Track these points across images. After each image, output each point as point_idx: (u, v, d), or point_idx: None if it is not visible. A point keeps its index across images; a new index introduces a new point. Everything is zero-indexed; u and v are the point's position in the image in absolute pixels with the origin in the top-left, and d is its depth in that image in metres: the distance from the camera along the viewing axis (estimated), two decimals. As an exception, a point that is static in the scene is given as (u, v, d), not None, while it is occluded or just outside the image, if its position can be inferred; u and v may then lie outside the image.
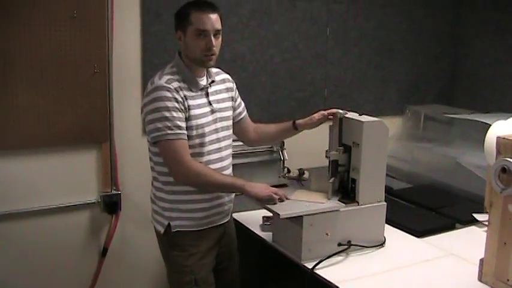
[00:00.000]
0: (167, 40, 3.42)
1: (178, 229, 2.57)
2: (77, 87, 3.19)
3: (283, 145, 3.61)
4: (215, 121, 2.59)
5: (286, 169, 3.67)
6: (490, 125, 2.42)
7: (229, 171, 2.69)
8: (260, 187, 2.55)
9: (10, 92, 3.04)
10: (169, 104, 2.41)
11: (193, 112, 2.49)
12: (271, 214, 2.63)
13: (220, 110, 2.63)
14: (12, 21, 2.98)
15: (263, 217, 2.89)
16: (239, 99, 2.82)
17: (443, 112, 4.16)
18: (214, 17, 2.48)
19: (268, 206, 2.54)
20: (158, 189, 2.60)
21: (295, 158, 3.72)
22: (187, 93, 2.48)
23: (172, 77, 2.48)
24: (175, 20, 2.55)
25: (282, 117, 3.89)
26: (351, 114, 2.64)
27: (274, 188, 2.59)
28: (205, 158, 2.54)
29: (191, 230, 2.58)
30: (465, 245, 2.76)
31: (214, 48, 2.49)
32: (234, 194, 2.74)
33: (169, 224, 2.57)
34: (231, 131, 2.72)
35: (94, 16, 3.17)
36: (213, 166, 2.55)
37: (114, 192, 3.41)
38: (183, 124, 2.44)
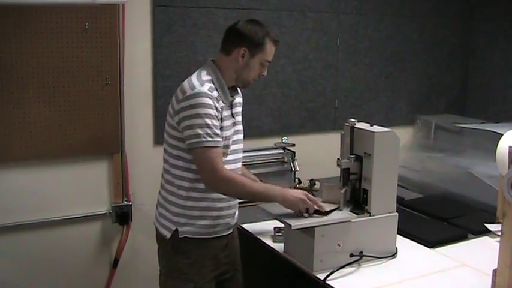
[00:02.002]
0: (178, 52, 3.44)
1: (186, 235, 2.55)
2: (88, 99, 3.21)
3: (294, 156, 3.61)
4: (235, 133, 2.61)
5: (297, 180, 3.67)
6: (502, 135, 2.41)
7: None
8: (291, 202, 2.52)
9: (21, 104, 3.06)
10: (211, 111, 2.40)
11: (224, 123, 2.50)
12: (282, 225, 2.63)
13: (238, 123, 2.66)
14: (23, 33, 3.01)
15: (274, 228, 2.88)
16: None
17: (454, 122, 4.14)
18: None
19: (280, 217, 2.54)
20: (171, 193, 2.58)
21: (306, 169, 3.71)
22: (222, 104, 2.49)
23: (211, 85, 2.47)
24: (242, 37, 2.53)
25: (292, 127, 3.90)
26: (362, 125, 2.64)
27: (307, 201, 2.53)
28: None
29: (197, 237, 2.57)
30: (478, 256, 2.74)
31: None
32: (237, 209, 2.73)
33: (176, 229, 2.55)
34: (242, 144, 2.74)
35: (105, 28, 3.19)
36: None
37: (125, 203, 3.42)
38: (219, 133, 2.45)
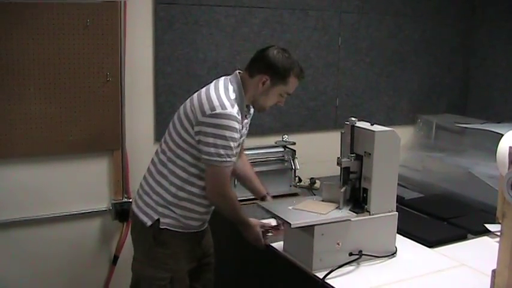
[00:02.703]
0: (179, 49, 3.44)
1: (166, 227, 2.59)
2: (89, 96, 3.22)
3: (295, 154, 3.61)
4: (238, 146, 2.65)
5: (297, 178, 3.67)
6: (503, 135, 2.40)
7: None
8: (252, 236, 2.72)
9: (23, 100, 3.06)
10: (236, 135, 2.47)
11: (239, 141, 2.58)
12: (270, 225, 2.77)
13: (244, 135, 2.71)
14: (25, 30, 3.01)
15: (261, 227, 2.85)
16: None
17: (455, 122, 4.14)
18: None
19: (279, 215, 2.55)
20: (160, 185, 2.61)
21: (306, 168, 3.72)
22: (241, 124, 2.56)
23: (238, 106, 2.51)
24: (268, 65, 2.57)
25: (293, 126, 3.90)
26: (362, 124, 2.64)
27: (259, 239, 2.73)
28: None
29: (177, 230, 2.62)
30: (477, 256, 2.74)
31: None
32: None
33: (158, 219, 2.59)
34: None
35: (107, 25, 3.19)
36: None
37: (125, 200, 3.42)
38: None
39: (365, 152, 2.57)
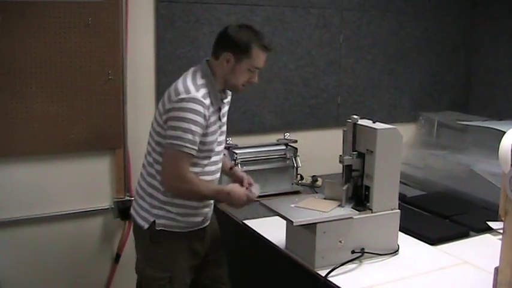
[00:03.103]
0: (181, 47, 3.44)
1: (162, 228, 2.60)
2: (90, 94, 3.22)
3: (297, 152, 3.61)
4: (220, 134, 2.64)
5: (299, 176, 3.67)
6: (505, 132, 2.40)
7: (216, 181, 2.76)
8: (237, 199, 2.60)
9: (25, 99, 3.06)
10: (198, 119, 2.43)
11: (210, 129, 2.54)
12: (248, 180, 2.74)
13: (223, 124, 2.69)
14: (27, 28, 3.01)
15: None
16: None
17: (457, 119, 4.14)
18: (266, 55, 2.59)
19: (281, 213, 2.54)
20: (151, 186, 2.62)
21: (308, 165, 3.71)
22: (211, 109, 2.52)
23: (204, 90, 2.50)
24: (229, 42, 2.55)
25: (295, 124, 3.90)
26: (364, 122, 2.63)
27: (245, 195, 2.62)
28: (206, 169, 2.61)
29: (173, 230, 2.62)
30: (479, 254, 2.74)
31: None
32: (213, 202, 2.79)
33: (154, 221, 2.60)
34: (224, 144, 2.78)
35: (108, 23, 3.19)
36: (210, 177, 2.64)
37: (127, 198, 3.42)
38: (199, 140, 2.48)
39: (367, 150, 2.57)
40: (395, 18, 4.29)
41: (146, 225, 2.61)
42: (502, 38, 4.45)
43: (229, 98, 2.75)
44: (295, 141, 3.71)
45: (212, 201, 2.75)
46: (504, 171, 2.29)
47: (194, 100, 2.43)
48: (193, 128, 2.43)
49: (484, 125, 3.73)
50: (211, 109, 2.52)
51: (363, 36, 4.17)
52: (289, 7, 3.80)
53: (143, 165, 2.71)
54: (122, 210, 3.39)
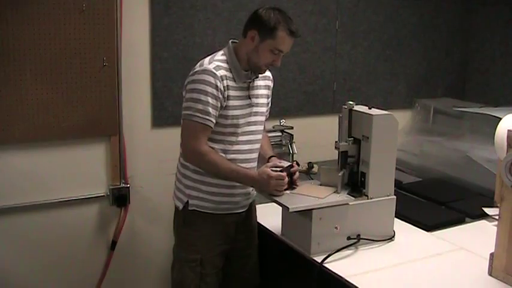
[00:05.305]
0: (176, 33, 3.42)
1: (195, 208, 2.62)
2: (85, 81, 3.20)
3: (293, 138, 3.60)
4: (250, 114, 2.63)
5: (295, 162, 3.66)
6: (501, 119, 2.40)
7: (254, 164, 2.73)
8: (266, 186, 2.54)
9: (19, 86, 3.04)
10: (209, 89, 2.46)
11: (232, 103, 2.55)
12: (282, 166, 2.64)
13: (257, 105, 2.68)
14: (21, 14, 2.98)
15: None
16: (270, 100, 2.85)
17: (453, 106, 4.14)
18: (292, 42, 2.58)
19: (277, 199, 2.54)
20: (184, 166, 2.66)
21: (304, 152, 3.71)
22: (231, 84, 2.54)
23: (221, 64, 2.53)
24: (256, 20, 2.55)
25: (290, 110, 3.89)
26: (360, 108, 2.63)
27: (276, 180, 2.53)
28: (236, 147, 2.61)
29: (206, 212, 2.63)
30: (475, 239, 2.75)
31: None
32: (254, 192, 2.76)
33: (187, 201, 2.63)
34: (263, 126, 2.77)
35: (103, 9, 3.17)
36: (242, 156, 2.63)
37: (123, 185, 3.41)
38: (215, 112, 2.49)
39: (363, 136, 2.57)
40: (391, 4, 4.27)
41: (181, 206, 2.65)
42: (499, 24, 4.45)
43: (265, 82, 2.76)
44: (291, 128, 3.70)
45: (252, 191, 2.74)
46: (500, 157, 2.30)
47: (205, 71, 2.48)
48: (203, 98, 2.46)
49: (480, 112, 3.74)
50: (229, 83, 2.53)
51: (359, 22, 4.15)
52: (285, -7, 3.78)
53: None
54: (118, 198, 3.39)
